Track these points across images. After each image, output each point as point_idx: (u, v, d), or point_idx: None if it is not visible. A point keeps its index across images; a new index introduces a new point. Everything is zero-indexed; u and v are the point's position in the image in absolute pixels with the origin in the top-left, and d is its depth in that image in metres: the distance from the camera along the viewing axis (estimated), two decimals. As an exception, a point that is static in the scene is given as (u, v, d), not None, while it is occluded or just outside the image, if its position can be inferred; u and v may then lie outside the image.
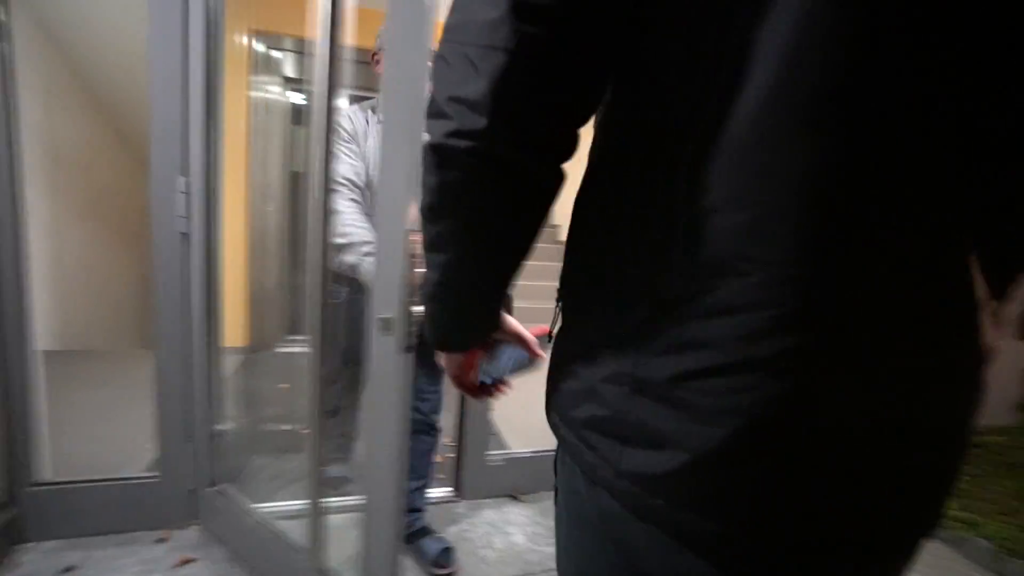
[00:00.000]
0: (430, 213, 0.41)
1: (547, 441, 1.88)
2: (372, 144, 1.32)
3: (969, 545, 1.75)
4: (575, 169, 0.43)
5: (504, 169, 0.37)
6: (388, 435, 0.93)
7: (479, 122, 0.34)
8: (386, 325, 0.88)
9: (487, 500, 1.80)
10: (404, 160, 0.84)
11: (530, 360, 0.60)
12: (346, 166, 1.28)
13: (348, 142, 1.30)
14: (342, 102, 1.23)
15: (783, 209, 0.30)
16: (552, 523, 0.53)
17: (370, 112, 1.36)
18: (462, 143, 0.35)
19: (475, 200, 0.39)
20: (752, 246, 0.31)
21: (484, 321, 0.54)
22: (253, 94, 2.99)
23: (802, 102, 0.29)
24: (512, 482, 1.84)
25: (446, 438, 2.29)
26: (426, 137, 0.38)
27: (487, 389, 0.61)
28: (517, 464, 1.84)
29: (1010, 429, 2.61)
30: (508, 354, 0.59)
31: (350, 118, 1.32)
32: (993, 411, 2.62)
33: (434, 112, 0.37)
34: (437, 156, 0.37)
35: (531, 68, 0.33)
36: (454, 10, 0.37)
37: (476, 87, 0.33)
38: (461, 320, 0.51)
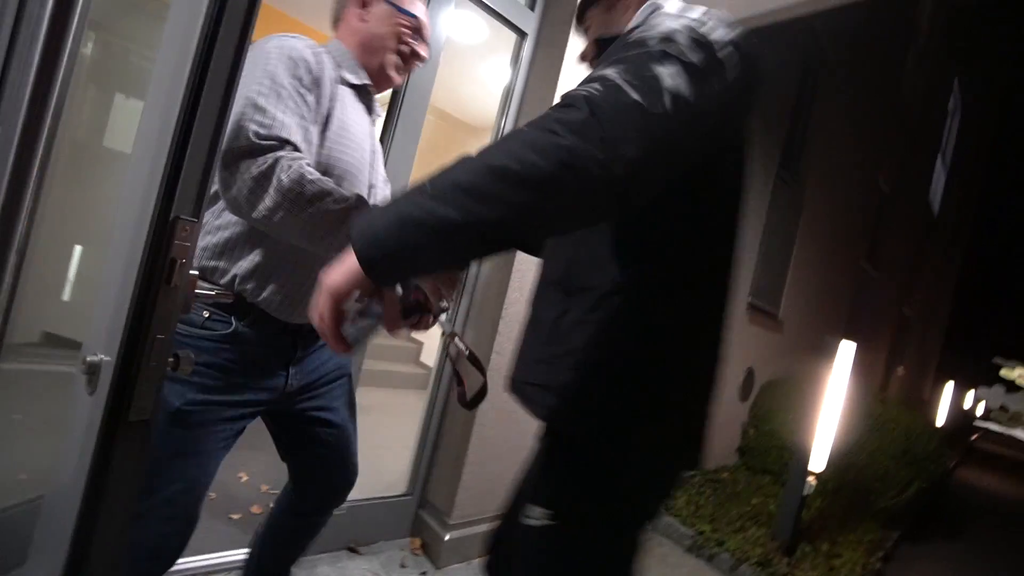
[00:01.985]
0: (511, 177, 0.46)
1: (387, 487, 1.82)
2: (341, 118, 0.86)
3: (717, 558, 2.28)
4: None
5: (604, 198, 0.48)
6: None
7: (622, 169, 0.47)
8: (91, 371, 0.57)
9: (321, 555, 1.59)
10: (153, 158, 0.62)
11: (379, 331, 0.64)
12: (293, 119, 0.76)
13: (306, 89, 0.79)
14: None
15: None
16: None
17: (342, 72, 0.89)
18: (596, 170, 0.46)
19: (564, 201, 0.47)
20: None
21: (437, 268, 0.62)
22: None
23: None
24: (350, 533, 1.68)
25: (264, 486, 1.97)
26: (559, 135, 0.46)
27: (345, 342, 0.58)
28: (354, 512, 1.69)
29: (733, 468, 3.51)
30: (369, 321, 0.62)
31: (312, 57, 0.82)
32: (722, 455, 3.49)
33: (587, 134, 0.46)
34: (568, 158, 0.45)
35: (663, 156, 0.50)
36: (638, 90, 0.49)
37: (636, 147, 0.47)
38: (428, 259, 0.51)
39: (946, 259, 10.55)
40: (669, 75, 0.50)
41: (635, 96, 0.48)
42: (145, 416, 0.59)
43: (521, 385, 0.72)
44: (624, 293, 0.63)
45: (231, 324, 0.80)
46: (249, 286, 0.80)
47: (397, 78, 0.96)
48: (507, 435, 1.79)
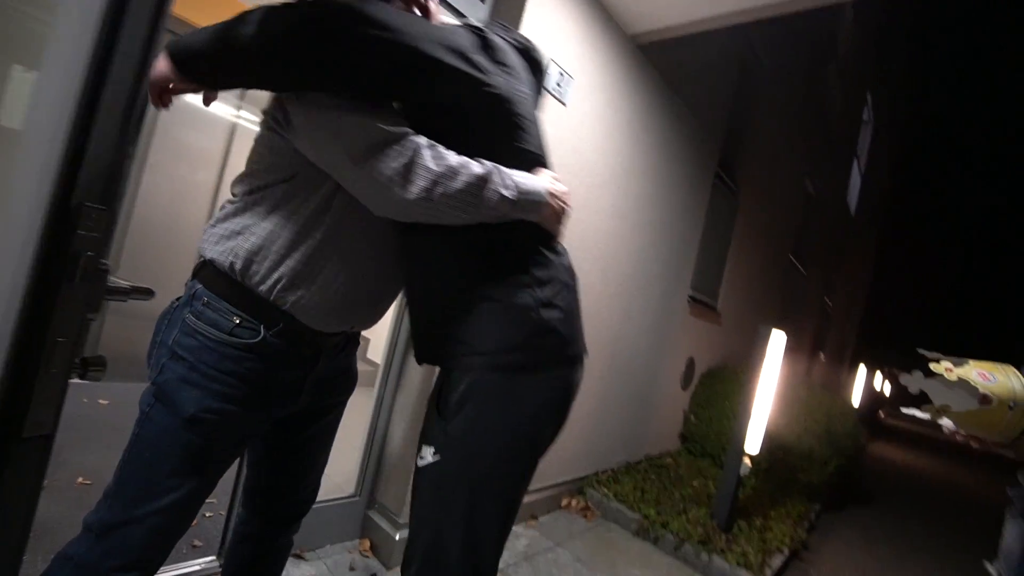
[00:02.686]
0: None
1: (333, 488, 1.75)
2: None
3: (662, 540, 2.38)
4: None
5: None
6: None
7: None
8: None
9: (261, 566, 1.50)
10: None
11: None
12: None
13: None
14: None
15: None
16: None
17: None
18: None
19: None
20: None
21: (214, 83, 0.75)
22: None
23: None
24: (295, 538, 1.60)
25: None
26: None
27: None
28: (305, 516, 1.62)
29: (675, 453, 3.68)
30: None
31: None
32: (665, 441, 3.66)
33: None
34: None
35: None
36: None
37: None
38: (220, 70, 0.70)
39: (862, 256, 11.58)
40: None
41: None
42: (45, 430, 0.52)
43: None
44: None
45: (259, 333, 0.76)
46: (287, 292, 0.75)
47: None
48: (458, 432, 1.77)
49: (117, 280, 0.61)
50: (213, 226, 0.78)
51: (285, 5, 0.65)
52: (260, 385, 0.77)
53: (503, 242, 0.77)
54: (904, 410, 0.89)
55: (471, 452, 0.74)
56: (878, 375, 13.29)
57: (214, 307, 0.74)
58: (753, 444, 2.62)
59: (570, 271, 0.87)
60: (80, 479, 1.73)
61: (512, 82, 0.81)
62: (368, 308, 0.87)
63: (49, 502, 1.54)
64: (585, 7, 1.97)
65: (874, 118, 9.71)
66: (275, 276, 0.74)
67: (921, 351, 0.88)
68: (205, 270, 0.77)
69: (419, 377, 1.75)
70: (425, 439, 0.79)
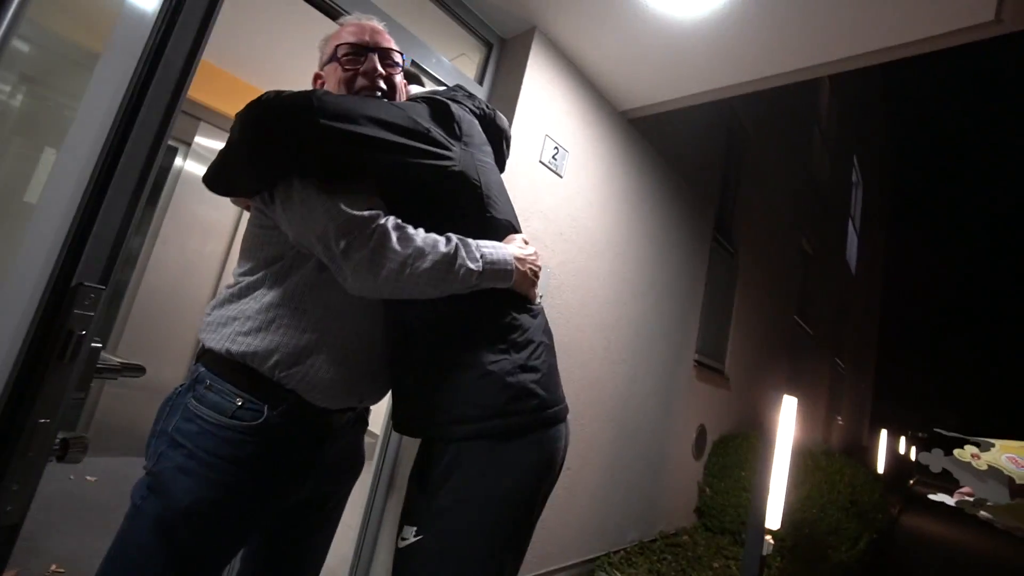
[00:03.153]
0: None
1: (324, 572, 1.61)
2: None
3: (683, 632, 2.15)
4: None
5: None
6: None
7: None
8: None
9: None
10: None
11: None
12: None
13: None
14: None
15: None
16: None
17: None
18: None
19: None
20: None
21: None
22: None
23: None
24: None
25: None
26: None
27: None
28: None
29: (691, 530, 3.44)
30: None
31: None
32: (679, 516, 3.43)
33: None
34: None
35: None
36: None
37: None
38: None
39: (867, 312, 11.51)
40: None
41: None
42: (13, 520, 0.49)
43: None
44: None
45: (263, 413, 0.72)
46: (289, 369, 0.73)
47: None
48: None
49: (109, 357, 0.61)
50: (209, 313, 0.78)
51: (247, 105, 0.70)
52: (262, 472, 0.73)
53: (477, 309, 0.78)
54: (932, 497, 0.82)
55: (456, 527, 0.71)
56: (902, 439, 12.69)
57: (217, 389, 0.72)
58: (774, 519, 2.45)
59: (546, 331, 0.87)
60: (54, 567, 1.62)
61: (474, 153, 0.84)
62: (373, 379, 0.86)
63: (17, 595, 1.42)
64: (577, 86, 2.12)
65: (862, 179, 10.06)
66: (275, 356, 0.73)
67: (940, 431, 0.83)
68: (207, 355, 0.76)
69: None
70: (407, 518, 0.76)
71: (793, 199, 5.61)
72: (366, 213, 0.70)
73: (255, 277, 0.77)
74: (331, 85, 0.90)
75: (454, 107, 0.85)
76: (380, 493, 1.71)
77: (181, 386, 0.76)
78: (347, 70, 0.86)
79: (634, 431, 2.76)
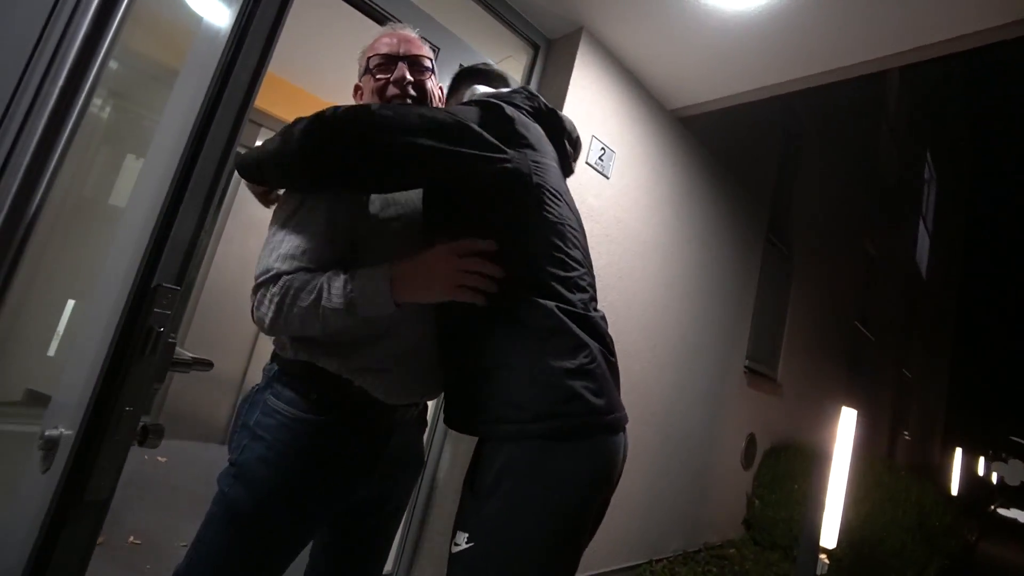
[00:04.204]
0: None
1: None
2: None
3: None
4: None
5: None
6: None
7: None
8: (47, 447, 0.53)
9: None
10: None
11: None
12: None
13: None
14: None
15: None
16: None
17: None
18: None
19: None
20: None
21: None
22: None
23: None
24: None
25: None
26: None
27: None
28: None
29: (739, 542, 3.30)
30: None
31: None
32: (726, 527, 3.30)
33: None
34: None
35: None
36: None
37: None
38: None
39: (939, 320, 10.61)
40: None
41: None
42: (103, 495, 0.55)
43: None
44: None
45: (334, 408, 0.78)
46: (355, 369, 0.78)
47: None
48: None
49: (182, 352, 0.66)
50: None
51: (308, 120, 0.74)
52: (333, 463, 0.78)
53: (525, 311, 0.77)
54: (1003, 512, 0.71)
55: (509, 536, 0.70)
56: (981, 460, 11.62)
57: (292, 386, 0.78)
58: (829, 537, 2.31)
59: (603, 337, 0.84)
60: (131, 538, 1.78)
61: (528, 153, 0.83)
62: (433, 376, 0.88)
63: (99, 561, 1.57)
64: (624, 86, 2.09)
65: (936, 176, 9.29)
66: (338, 355, 0.78)
67: (1018, 440, 0.74)
68: (280, 355, 0.82)
69: (468, 448, 1.72)
70: (459, 524, 0.75)
71: (856, 197, 5.26)
72: (273, 271, 0.73)
73: None
74: (367, 95, 0.95)
75: (508, 109, 0.85)
76: (423, 493, 1.75)
77: (259, 384, 0.82)
78: (378, 79, 0.91)
79: (680, 437, 2.68)
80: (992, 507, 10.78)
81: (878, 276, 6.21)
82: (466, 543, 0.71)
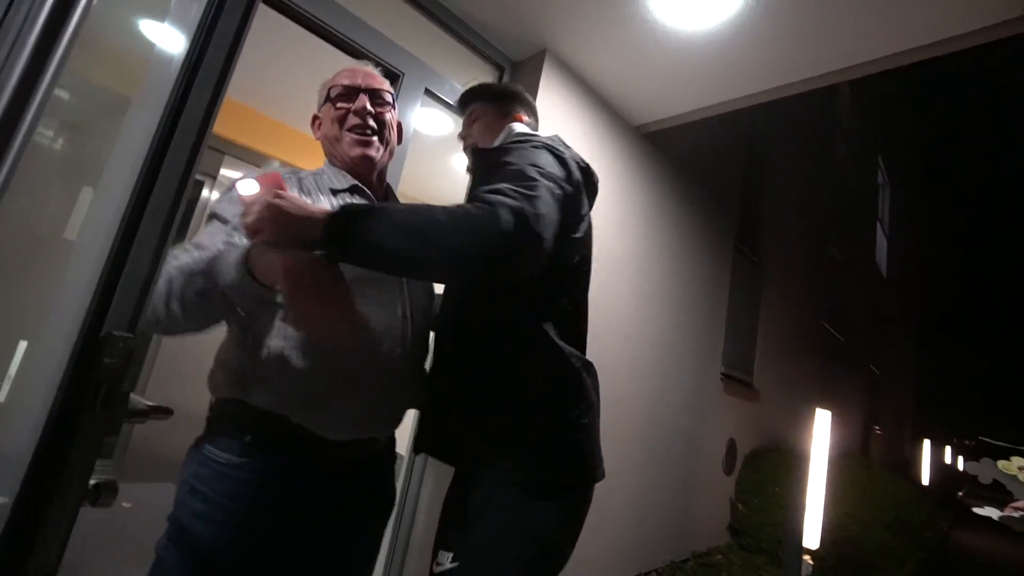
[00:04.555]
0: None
1: None
2: None
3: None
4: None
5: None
6: None
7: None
8: None
9: None
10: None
11: None
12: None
13: None
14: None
15: None
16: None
17: (311, 182, 0.89)
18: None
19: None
20: None
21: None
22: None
23: None
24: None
25: None
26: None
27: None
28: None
29: (726, 549, 3.31)
30: None
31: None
32: (712, 534, 3.31)
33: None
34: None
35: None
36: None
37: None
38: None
39: (903, 317, 11.06)
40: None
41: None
42: (49, 569, 0.50)
43: None
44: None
45: (272, 451, 0.71)
46: (292, 404, 0.71)
47: (365, 150, 0.90)
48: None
49: (138, 401, 0.62)
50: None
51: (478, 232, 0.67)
52: (281, 512, 0.71)
53: (536, 354, 0.78)
54: (977, 510, 0.78)
55: (493, 558, 0.73)
56: (948, 449, 12.06)
57: (225, 429, 0.72)
58: (812, 538, 2.34)
59: (597, 388, 0.87)
60: (92, 596, 1.66)
61: (588, 219, 0.89)
62: (386, 409, 0.84)
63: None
64: (590, 105, 2.13)
65: (890, 180, 9.76)
66: (274, 391, 0.71)
67: (986, 440, 0.78)
68: (217, 402, 0.77)
69: (447, 470, 1.68)
70: (443, 544, 0.77)
71: (818, 204, 5.48)
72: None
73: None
74: (326, 125, 0.93)
75: (574, 171, 0.84)
76: (407, 515, 1.70)
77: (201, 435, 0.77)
78: (339, 108, 0.91)
79: (663, 448, 2.69)
80: (960, 494, 11.19)
81: (843, 279, 6.44)
82: (450, 563, 0.73)
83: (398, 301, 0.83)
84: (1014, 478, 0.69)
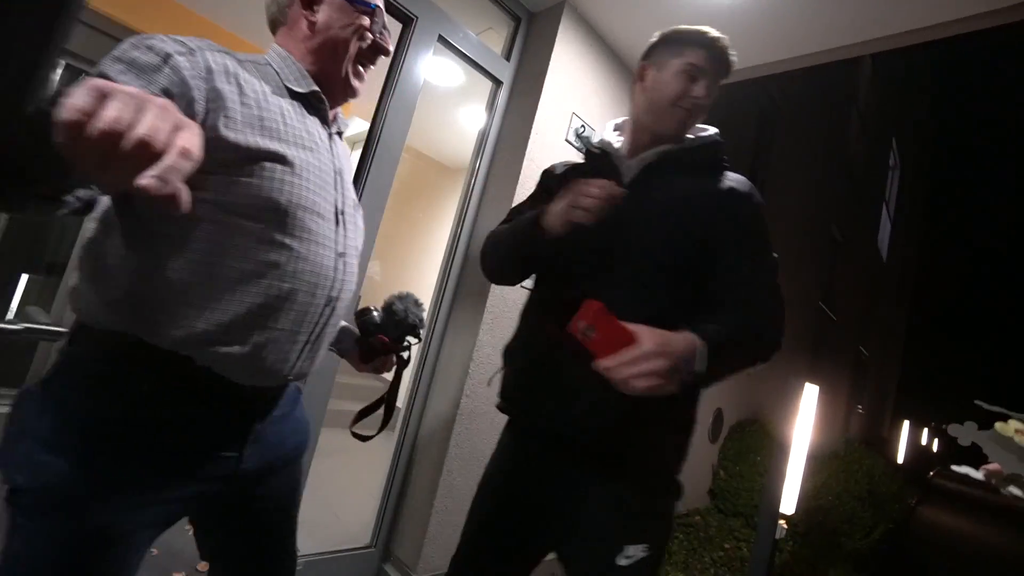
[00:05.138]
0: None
1: (348, 538, 1.70)
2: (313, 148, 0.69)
3: (692, 609, 2.21)
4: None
5: None
6: None
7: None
8: None
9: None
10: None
11: None
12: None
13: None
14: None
15: None
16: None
17: (256, 72, 0.67)
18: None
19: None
20: None
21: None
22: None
23: None
24: (304, 591, 1.55)
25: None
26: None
27: None
28: (312, 567, 1.58)
29: (704, 511, 3.48)
30: None
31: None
32: (692, 497, 3.46)
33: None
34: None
35: None
36: None
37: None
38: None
39: (897, 302, 11.17)
40: None
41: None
42: None
43: None
44: None
45: (175, 395, 0.60)
46: (202, 344, 0.59)
47: (359, 86, 0.79)
48: (475, 482, 1.72)
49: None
50: None
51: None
52: (180, 457, 0.62)
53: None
54: (956, 468, 0.81)
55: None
56: (925, 431, 12.45)
57: (113, 375, 0.60)
58: (788, 504, 2.45)
59: None
60: None
61: None
62: (301, 353, 0.69)
63: None
64: (606, 63, 2.07)
65: (900, 163, 9.62)
66: (178, 328, 0.59)
67: (981, 403, 0.80)
68: (86, 332, 0.63)
69: (441, 423, 1.73)
70: (636, 536, 0.80)
71: (825, 183, 5.42)
72: None
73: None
74: (334, 17, 0.73)
75: None
76: (402, 464, 1.77)
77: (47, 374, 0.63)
78: (359, 9, 0.74)
79: (650, 413, 2.77)
80: (931, 473, 11.65)
81: (842, 259, 6.46)
82: (644, 551, 0.79)
83: (333, 238, 0.71)
84: (1007, 440, 0.71)
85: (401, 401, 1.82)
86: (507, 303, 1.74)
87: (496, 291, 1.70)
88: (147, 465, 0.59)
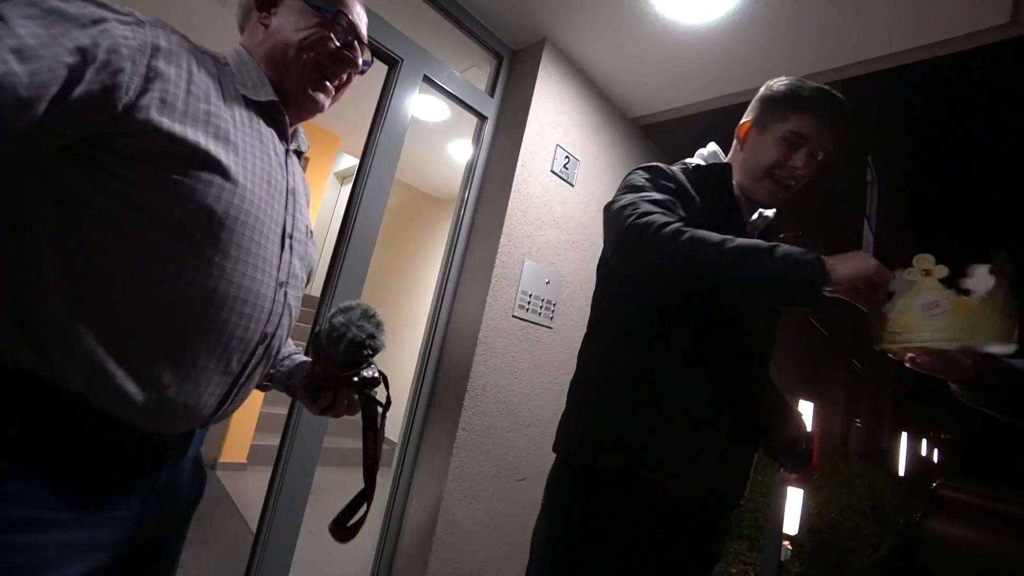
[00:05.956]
0: None
1: None
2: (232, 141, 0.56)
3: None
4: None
5: None
6: None
7: None
8: None
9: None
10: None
11: None
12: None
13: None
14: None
15: None
16: None
17: (212, 70, 0.58)
18: None
19: None
20: None
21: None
22: None
23: None
24: (300, 642, 1.49)
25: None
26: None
27: None
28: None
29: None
30: None
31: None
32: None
33: None
34: None
35: None
36: None
37: None
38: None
39: (885, 313, 11.30)
40: None
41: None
42: None
43: None
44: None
45: (60, 441, 0.47)
46: (90, 378, 0.47)
47: (323, 100, 0.70)
48: (475, 517, 1.69)
49: None
50: None
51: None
52: (76, 512, 0.48)
53: None
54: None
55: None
56: (924, 441, 12.41)
57: None
58: (791, 524, 2.43)
59: None
60: None
61: None
62: (249, 387, 0.61)
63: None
64: (587, 95, 2.15)
65: (878, 178, 9.91)
66: (75, 356, 0.47)
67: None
68: None
69: (440, 457, 1.71)
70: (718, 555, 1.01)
71: (807, 199, 5.56)
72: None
73: None
74: (291, 19, 0.66)
75: None
76: (399, 501, 1.74)
77: None
78: (323, 14, 0.67)
79: (649, 436, 2.74)
80: (934, 484, 11.56)
81: (828, 273, 6.57)
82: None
83: (276, 264, 0.60)
84: (912, 283, 0.68)
85: (396, 433, 1.80)
86: (499, 333, 1.75)
87: (490, 321, 1.71)
88: (8, 531, 0.44)
